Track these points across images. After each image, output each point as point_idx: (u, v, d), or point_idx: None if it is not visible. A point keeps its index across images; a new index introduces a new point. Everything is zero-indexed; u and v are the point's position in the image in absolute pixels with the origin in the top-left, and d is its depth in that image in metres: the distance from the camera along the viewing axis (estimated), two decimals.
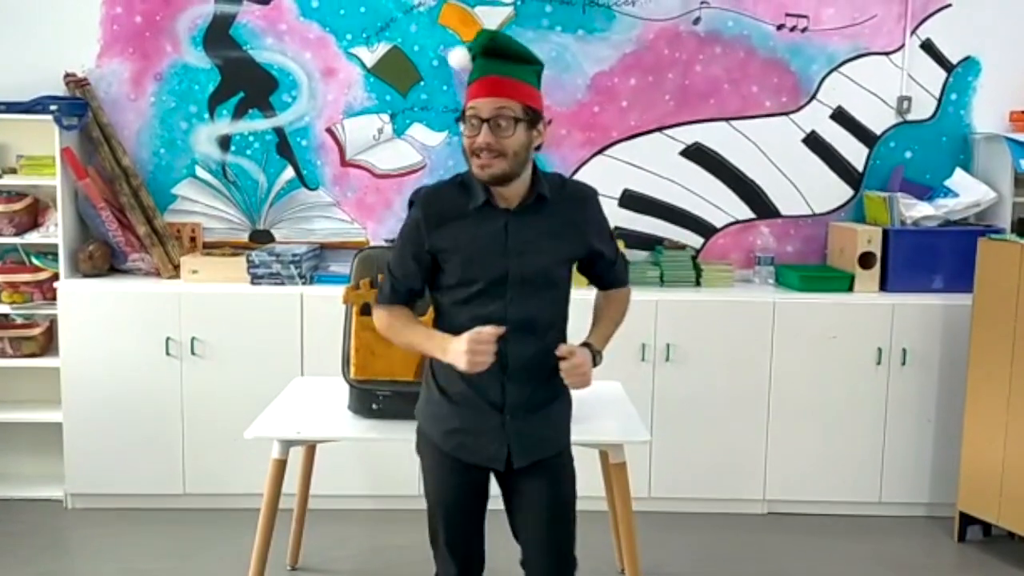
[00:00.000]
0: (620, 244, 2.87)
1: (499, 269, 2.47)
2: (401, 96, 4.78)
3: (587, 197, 2.61)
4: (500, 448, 2.55)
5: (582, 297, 2.72)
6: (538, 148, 2.49)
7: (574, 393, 2.66)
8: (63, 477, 4.52)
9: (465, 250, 2.48)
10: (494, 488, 2.66)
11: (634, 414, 3.38)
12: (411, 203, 2.56)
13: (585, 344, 2.61)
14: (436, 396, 2.60)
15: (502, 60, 2.42)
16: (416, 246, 2.52)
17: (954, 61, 4.82)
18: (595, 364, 2.57)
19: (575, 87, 4.78)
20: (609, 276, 2.73)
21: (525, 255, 2.48)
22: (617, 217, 4.75)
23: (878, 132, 4.86)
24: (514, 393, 2.53)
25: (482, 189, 2.47)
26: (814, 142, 4.85)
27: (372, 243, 4.79)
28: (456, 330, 2.46)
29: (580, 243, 2.59)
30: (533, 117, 2.43)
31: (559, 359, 2.48)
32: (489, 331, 2.38)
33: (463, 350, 2.37)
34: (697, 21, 4.77)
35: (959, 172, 4.78)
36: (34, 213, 4.68)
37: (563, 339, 2.58)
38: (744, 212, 4.91)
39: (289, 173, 4.84)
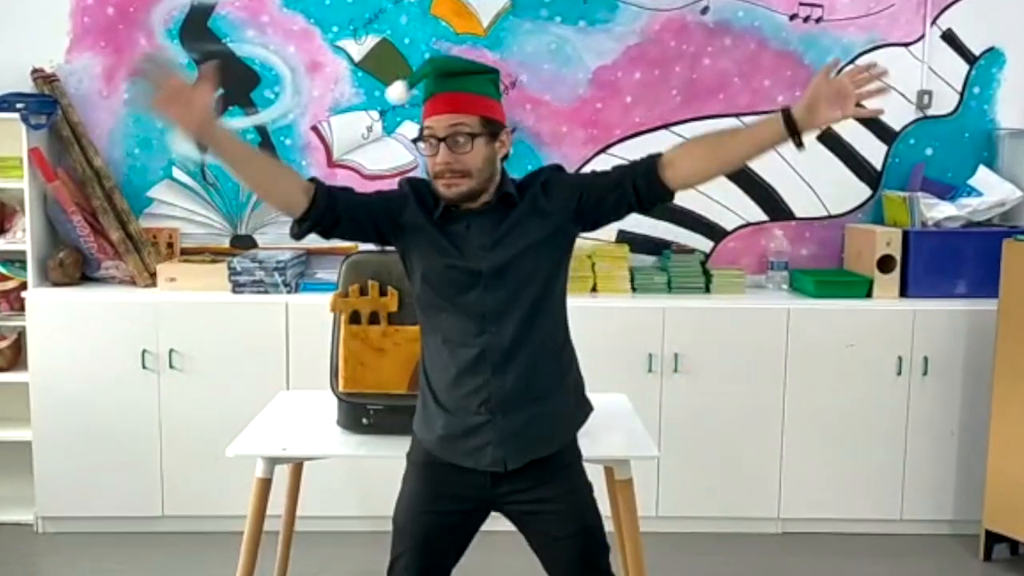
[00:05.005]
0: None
1: (468, 265, 2.49)
2: None
3: (547, 178, 2.57)
4: (495, 449, 2.53)
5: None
6: (504, 159, 2.51)
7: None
8: (33, 500, 4.45)
9: (432, 247, 2.51)
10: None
11: (641, 428, 3.31)
12: (400, 184, 2.62)
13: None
14: (430, 403, 2.62)
15: (453, 76, 2.46)
16: (387, 204, 2.55)
17: (977, 52, 4.76)
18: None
19: (576, 82, 4.73)
20: (639, 170, 2.53)
21: (491, 249, 2.49)
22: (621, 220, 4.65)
23: (897, 128, 4.79)
24: (499, 388, 2.52)
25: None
26: (830, 139, 4.76)
27: (360, 248, 4.62)
28: (436, 326, 2.54)
29: (551, 220, 2.51)
30: (493, 129, 2.46)
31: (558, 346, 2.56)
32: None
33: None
34: (705, 11, 4.70)
35: (983, 170, 4.72)
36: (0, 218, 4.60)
37: (557, 335, 2.59)
38: (756, 214, 4.84)
39: None
